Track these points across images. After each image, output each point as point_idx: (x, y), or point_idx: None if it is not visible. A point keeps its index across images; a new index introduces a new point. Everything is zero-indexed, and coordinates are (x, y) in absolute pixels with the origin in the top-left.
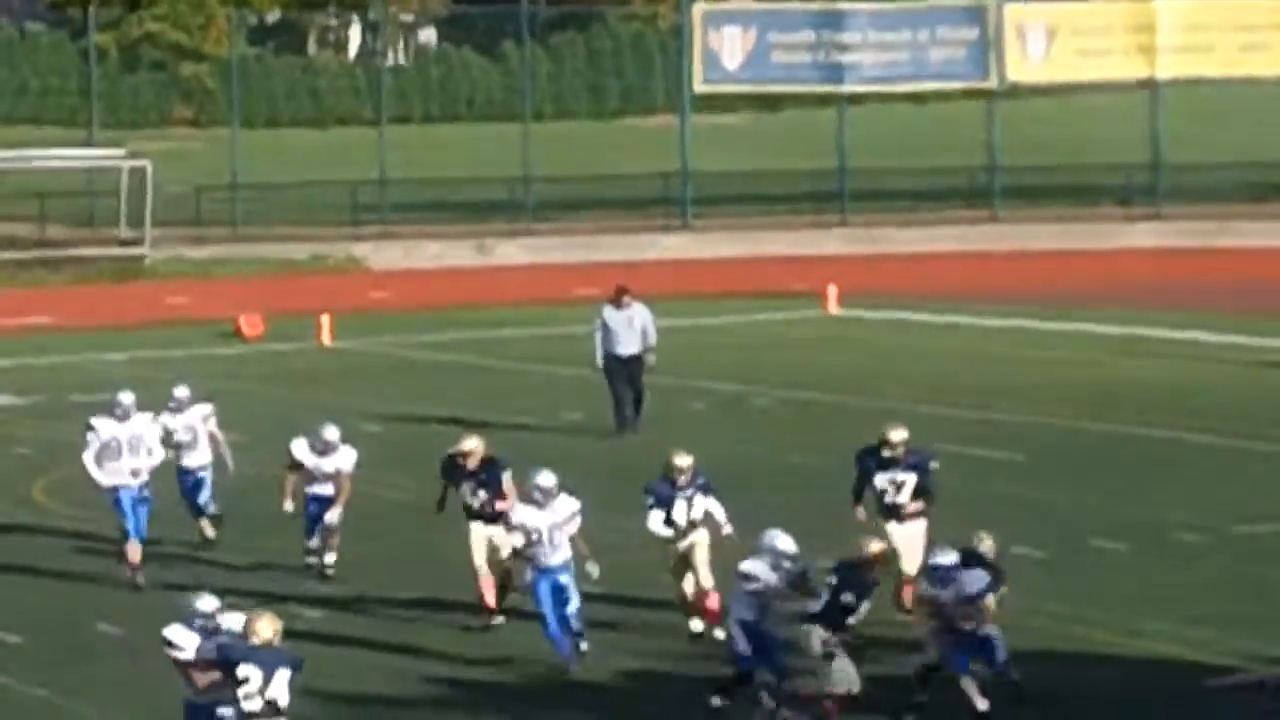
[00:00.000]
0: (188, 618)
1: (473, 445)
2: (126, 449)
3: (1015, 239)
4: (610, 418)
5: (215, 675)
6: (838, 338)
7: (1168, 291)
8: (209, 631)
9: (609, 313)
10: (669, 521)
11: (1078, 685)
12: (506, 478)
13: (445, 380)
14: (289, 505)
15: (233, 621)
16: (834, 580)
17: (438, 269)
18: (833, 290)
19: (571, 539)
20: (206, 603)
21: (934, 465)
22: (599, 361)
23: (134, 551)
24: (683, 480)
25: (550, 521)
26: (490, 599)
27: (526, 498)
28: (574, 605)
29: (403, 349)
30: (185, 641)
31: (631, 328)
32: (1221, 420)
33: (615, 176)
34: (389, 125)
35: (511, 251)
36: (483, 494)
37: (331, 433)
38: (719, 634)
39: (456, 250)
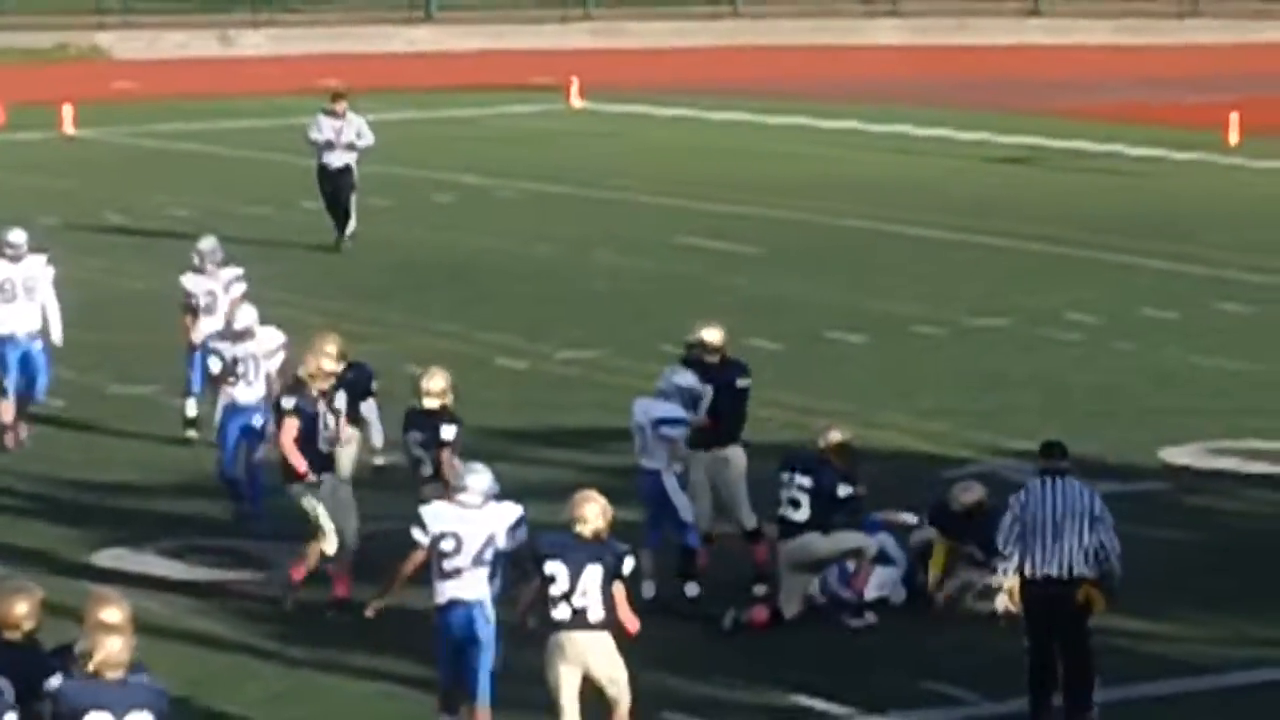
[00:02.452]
0: None
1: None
2: (22, 293)
3: (757, 34)
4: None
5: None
6: (581, 131)
7: (908, 88)
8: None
9: (321, 120)
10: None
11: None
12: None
13: (188, 170)
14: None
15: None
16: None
17: (181, 59)
18: (575, 83)
19: (268, 377)
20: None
21: (742, 383)
22: (315, 161)
23: (8, 410)
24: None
25: (248, 351)
26: None
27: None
28: (261, 452)
29: (146, 139)
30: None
31: (341, 138)
32: (958, 215)
33: None
34: None
35: (256, 42)
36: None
37: (209, 243)
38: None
39: (200, 40)
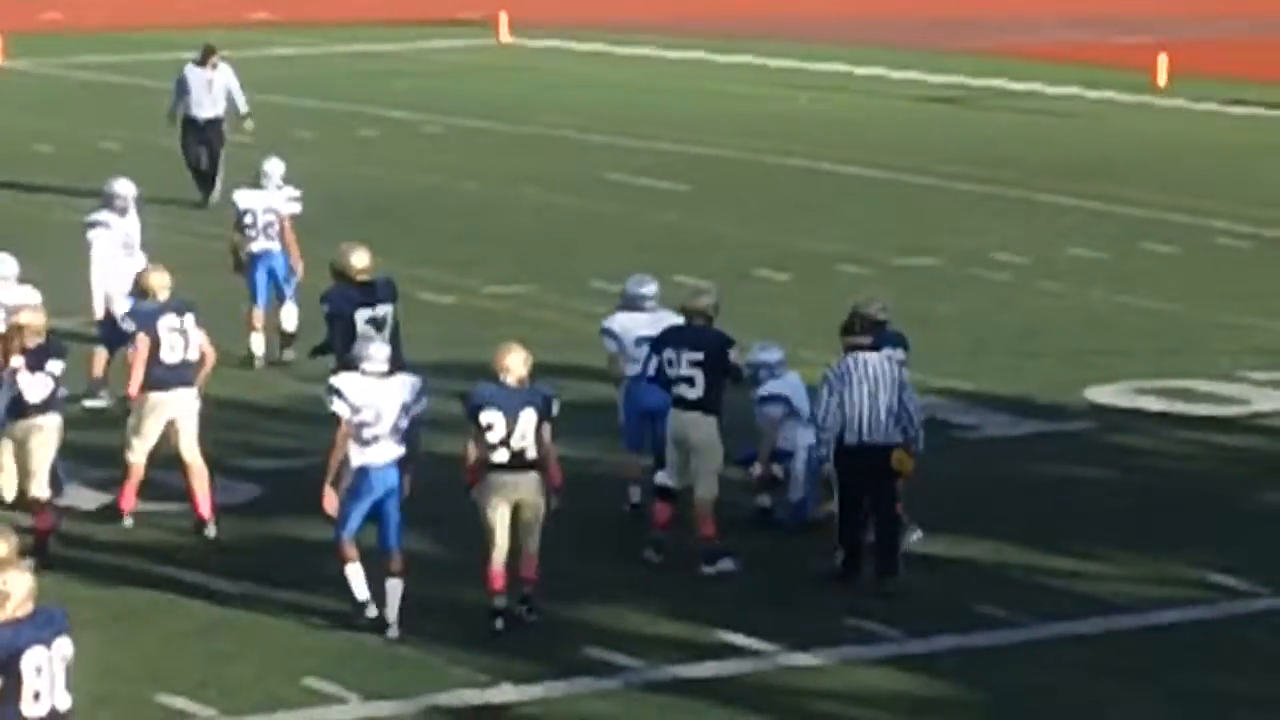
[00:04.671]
0: None
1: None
2: (136, 247)
3: None
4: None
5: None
6: (509, 66)
7: (837, 26)
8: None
9: (190, 71)
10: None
11: (738, 413)
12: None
13: (115, 102)
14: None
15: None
16: None
17: None
18: (504, 18)
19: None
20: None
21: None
22: (177, 122)
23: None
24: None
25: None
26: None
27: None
28: None
29: (75, 71)
30: None
31: (210, 90)
32: (886, 154)
33: None
34: None
35: None
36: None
37: (274, 166)
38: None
39: None
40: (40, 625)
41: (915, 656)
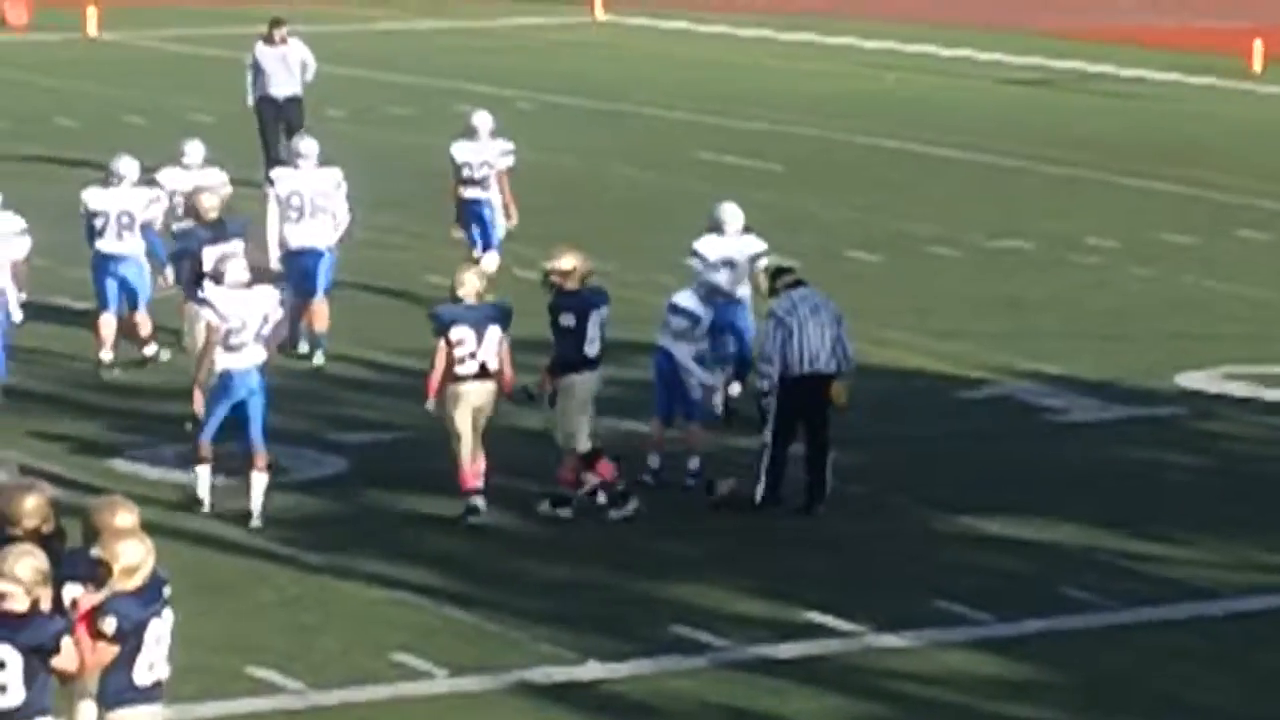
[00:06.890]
0: None
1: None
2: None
3: None
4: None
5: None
6: (603, 44)
7: (922, 7)
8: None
9: (261, 49)
10: None
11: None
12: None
13: (208, 73)
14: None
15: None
16: None
17: None
18: None
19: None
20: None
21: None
22: (250, 102)
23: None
24: None
25: None
26: None
27: None
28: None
29: (170, 43)
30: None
31: (286, 65)
32: (976, 136)
33: None
34: None
35: None
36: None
37: (483, 120)
38: None
39: None
40: (156, 596)
41: (1002, 639)
